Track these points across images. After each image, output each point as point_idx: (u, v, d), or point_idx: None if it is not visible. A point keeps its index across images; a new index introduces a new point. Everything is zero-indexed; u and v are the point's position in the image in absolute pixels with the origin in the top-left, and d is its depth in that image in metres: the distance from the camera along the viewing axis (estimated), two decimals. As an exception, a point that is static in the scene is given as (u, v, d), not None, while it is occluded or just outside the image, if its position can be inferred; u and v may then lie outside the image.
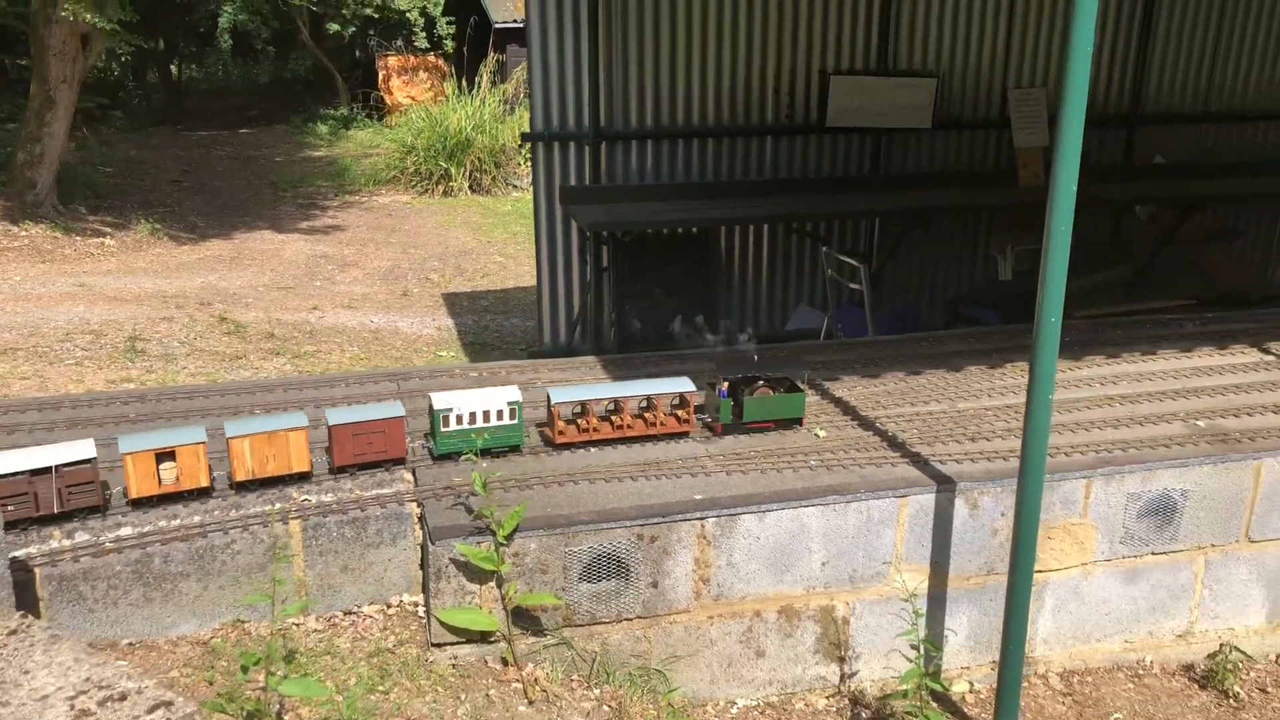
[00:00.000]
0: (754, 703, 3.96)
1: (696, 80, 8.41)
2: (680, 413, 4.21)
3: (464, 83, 17.95)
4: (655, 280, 8.60)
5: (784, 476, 3.98)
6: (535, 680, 3.62)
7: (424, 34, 23.55)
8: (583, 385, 4.23)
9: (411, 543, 3.74)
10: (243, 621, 3.58)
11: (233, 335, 9.42)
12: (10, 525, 3.39)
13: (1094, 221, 9.55)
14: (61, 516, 3.53)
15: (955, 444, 4.26)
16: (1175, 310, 8.01)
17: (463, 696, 3.47)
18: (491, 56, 19.20)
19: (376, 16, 23.25)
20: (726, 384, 4.15)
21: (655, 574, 3.78)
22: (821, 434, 4.33)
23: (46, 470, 3.46)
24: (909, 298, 9.06)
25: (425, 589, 3.67)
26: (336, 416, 3.86)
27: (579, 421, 4.09)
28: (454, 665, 3.60)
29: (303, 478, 3.85)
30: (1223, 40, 9.33)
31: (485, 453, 3.91)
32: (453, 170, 16.87)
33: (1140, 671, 4.32)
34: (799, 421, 4.32)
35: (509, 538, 3.58)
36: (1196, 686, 4.28)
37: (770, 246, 8.90)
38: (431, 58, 23.26)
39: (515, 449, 4.05)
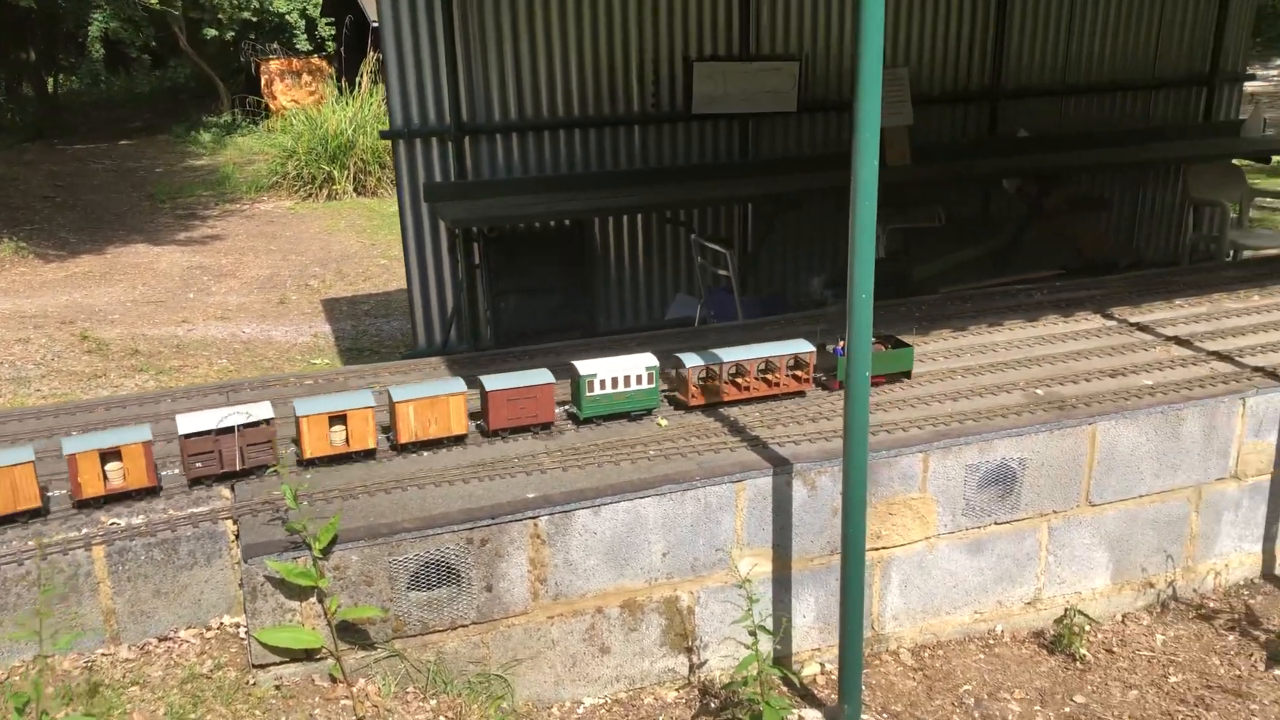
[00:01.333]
0: (601, 701, 3.88)
1: (559, 70, 8.30)
2: (799, 373, 4.52)
3: (345, 83, 17.56)
4: (530, 275, 8.47)
5: (621, 469, 3.90)
6: (366, 695, 3.49)
7: (305, 36, 23.01)
8: (708, 351, 4.45)
9: (228, 562, 3.57)
10: (46, 656, 3.37)
11: (94, 354, 9.04)
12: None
13: (962, 197, 9.69)
14: None
15: (795, 425, 4.23)
16: (1042, 281, 8.17)
17: (285, 718, 3.32)
18: (371, 55, 18.83)
19: (255, 20, 22.63)
20: (842, 343, 4.28)
21: (489, 577, 3.67)
22: (664, 423, 4.26)
23: None
24: (785, 282, 9.09)
25: (245, 609, 3.51)
26: (492, 383, 4.10)
27: (708, 384, 4.36)
28: (278, 686, 3.45)
29: (150, 492, 3.73)
30: (1077, 13, 9.52)
31: (625, 415, 4.28)
32: (335, 173, 16.50)
33: (991, 641, 4.35)
34: (908, 374, 4.64)
35: (326, 551, 3.44)
36: (1045, 652, 4.32)
37: (645, 236, 8.84)
38: (314, 60, 22.76)
39: (649, 411, 4.32)
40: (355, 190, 16.60)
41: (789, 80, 8.80)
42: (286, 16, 22.82)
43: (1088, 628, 4.44)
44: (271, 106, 21.85)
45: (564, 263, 8.64)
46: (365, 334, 10.27)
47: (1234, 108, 10.26)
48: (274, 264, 13.07)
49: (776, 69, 8.77)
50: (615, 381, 4.22)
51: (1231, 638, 4.41)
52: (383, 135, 8.45)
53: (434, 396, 4.04)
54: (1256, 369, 4.67)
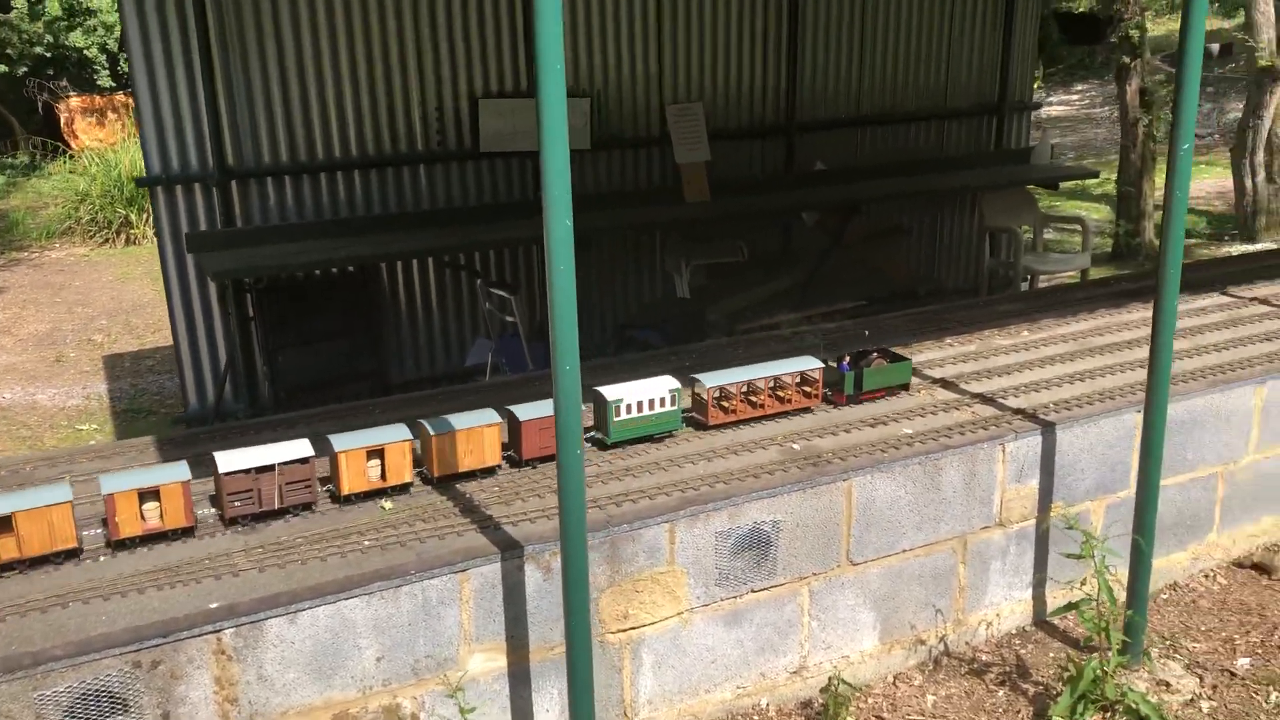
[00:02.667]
0: (315, 829, 3.43)
1: (334, 108, 7.83)
2: (807, 388, 4.62)
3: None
4: (310, 326, 7.93)
5: (328, 565, 3.47)
6: None
7: (107, 71, 21.71)
8: (724, 371, 4.53)
9: None
10: None
11: None
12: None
13: (763, 231, 9.62)
14: None
15: (535, 499, 3.88)
16: (845, 313, 8.11)
17: None
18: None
19: (49, 55, 21.23)
20: (847, 359, 4.69)
21: (165, 704, 3.18)
22: (388, 506, 3.85)
23: None
24: (585, 323, 8.78)
25: None
26: (524, 413, 4.06)
27: (725, 404, 4.48)
28: None
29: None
30: (868, 47, 9.60)
31: (649, 438, 4.33)
32: (133, 216, 15.47)
33: (756, 717, 4.08)
34: (906, 387, 4.80)
35: (-53, 694, 2.90)
36: (814, 724, 4.08)
37: (438, 280, 8.42)
38: (119, 96, 21.48)
39: (672, 434, 4.39)
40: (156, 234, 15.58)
41: (580, 117, 8.55)
42: (85, 51, 21.49)
43: (858, 693, 4.23)
44: (74, 146, 20.49)
45: (348, 311, 8.14)
46: (145, 393, 9.51)
47: (1023, 135, 10.53)
48: (56, 317, 12.09)
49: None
50: (641, 406, 4.26)
51: (1001, 693, 4.26)
52: (138, 183, 7.81)
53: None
54: (1017, 411, 4.58)
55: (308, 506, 3.79)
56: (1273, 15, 11.51)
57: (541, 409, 4.05)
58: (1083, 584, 4.32)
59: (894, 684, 4.33)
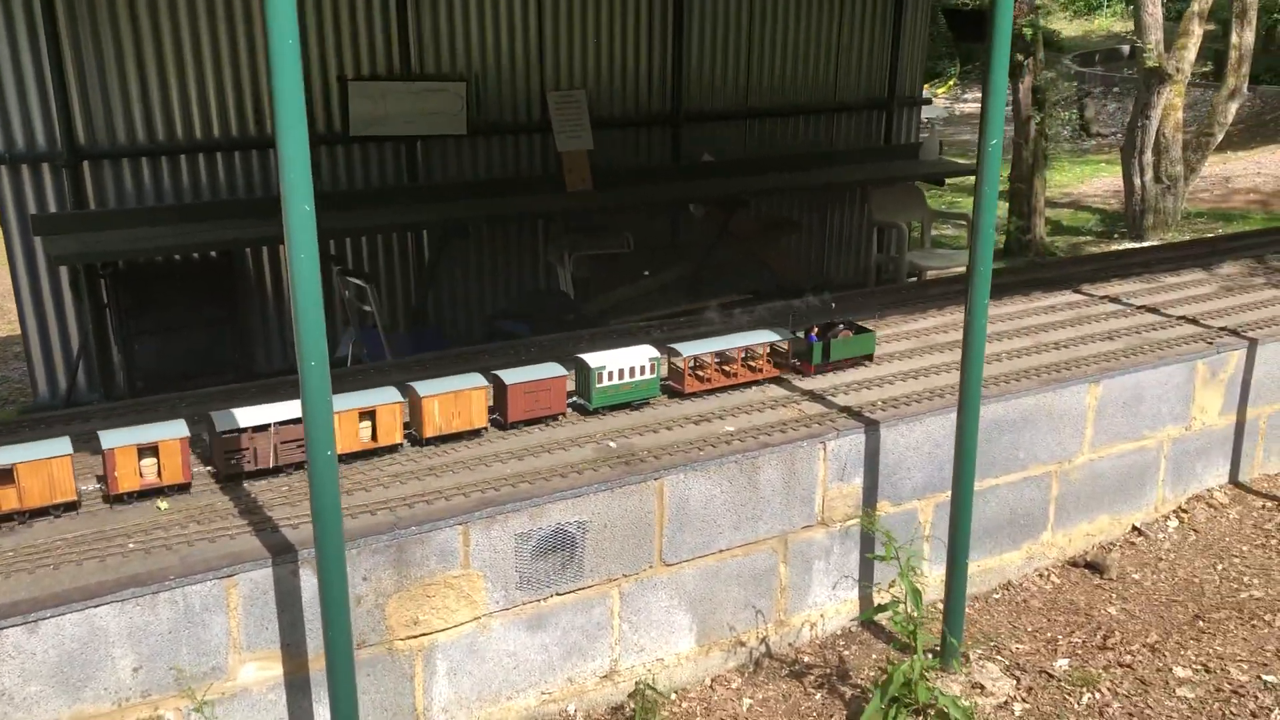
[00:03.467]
0: None
1: (194, 88, 7.53)
2: (777, 358, 4.82)
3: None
4: (169, 312, 7.63)
5: (82, 570, 3.26)
6: None
7: None
8: (698, 341, 4.70)
9: None
10: None
11: None
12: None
13: (650, 222, 9.50)
14: None
15: (382, 490, 3.71)
16: (731, 305, 8.01)
17: None
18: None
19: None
20: (816, 330, 4.91)
21: (-114, 720, 2.96)
22: (164, 506, 3.65)
23: None
24: (456, 314, 8.61)
25: None
26: (510, 377, 4.21)
27: (700, 372, 4.62)
28: None
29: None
30: (755, 39, 9.51)
31: (629, 405, 4.48)
32: None
33: (562, 723, 3.96)
34: (869, 357, 5.03)
35: None
36: (624, 729, 3.97)
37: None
38: None
39: (647, 402, 4.54)
40: None
41: (456, 101, 8.35)
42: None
43: (672, 697, 4.13)
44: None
45: (210, 298, 7.85)
46: (5, 381, 9.12)
47: (912, 131, 10.54)
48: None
49: (442, 89, 8.29)
50: (623, 373, 4.39)
51: (819, 696, 4.19)
52: (-22, 161, 7.43)
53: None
54: (844, 409, 4.50)
55: (73, 507, 3.58)
56: (1160, 17, 11.67)
57: (528, 374, 4.27)
58: (891, 585, 4.26)
59: (711, 687, 4.23)
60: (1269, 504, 5.46)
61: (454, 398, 4.07)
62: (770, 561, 4.32)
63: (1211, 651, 4.39)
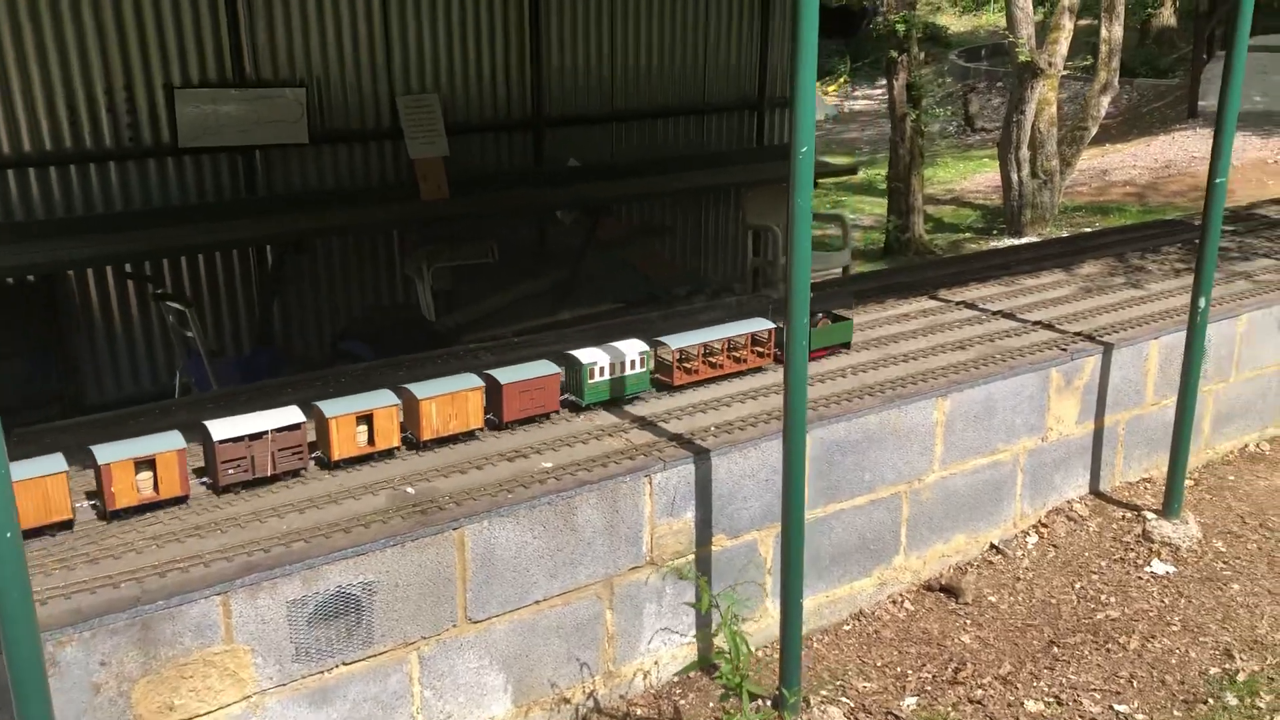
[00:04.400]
0: None
1: (0, 97, 6.90)
2: (761, 349, 4.80)
3: None
4: (-19, 340, 7.01)
5: None
6: None
7: None
8: (684, 334, 4.64)
9: None
10: None
11: None
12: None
13: (516, 230, 9.11)
14: None
15: (87, 567, 3.24)
16: (604, 315, 7.65)
17: None
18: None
19: None
20: None
21: None
22: None
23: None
24: (301, 336, 8.10)
25: None
26: (504, 376, 4.15)
27: (687, 365, 4.59)
28: None
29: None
30: (618, 39, 9.17)
31: (620, 400, 4.43)
32: None
33: (357, 805, 3.55)
34: (847, 345, 5.06)
35: None
36: (428, 806, 3.57)
37: (138, 292, 7.56)
38: None
39: (640, 395, 4.50)
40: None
41: (296, 108, 7.83)
42: None
43: (485, 766, 3.75)
44: None
45: (28, 326, 7.24)
46: None
47: (785, 132, 10.31)
48: None
49: (280, 96, 7.77)
50: (614, 368, 4.35)
51: (650, 752, 3.86)
52: None
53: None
54: (675, 437, 4.17)
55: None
56: (1031, 11, 11.66)
57: (522, 373, 4.22)
58: (716, 633, 3.94)
59: (531, 750, 3.86)
60: (1129, 514, 5.29)
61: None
62: (595, 609, 3.97)
63: (1065, 681, 4.16)
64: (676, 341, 4.54)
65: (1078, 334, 5.33)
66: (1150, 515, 5.22)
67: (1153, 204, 13.01)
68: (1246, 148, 14.58)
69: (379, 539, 3.45)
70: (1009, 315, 5.60)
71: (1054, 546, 5.09)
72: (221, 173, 7.75)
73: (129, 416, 4.40)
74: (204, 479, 3.74)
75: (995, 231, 12.34)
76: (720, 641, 4.23)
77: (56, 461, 3.37)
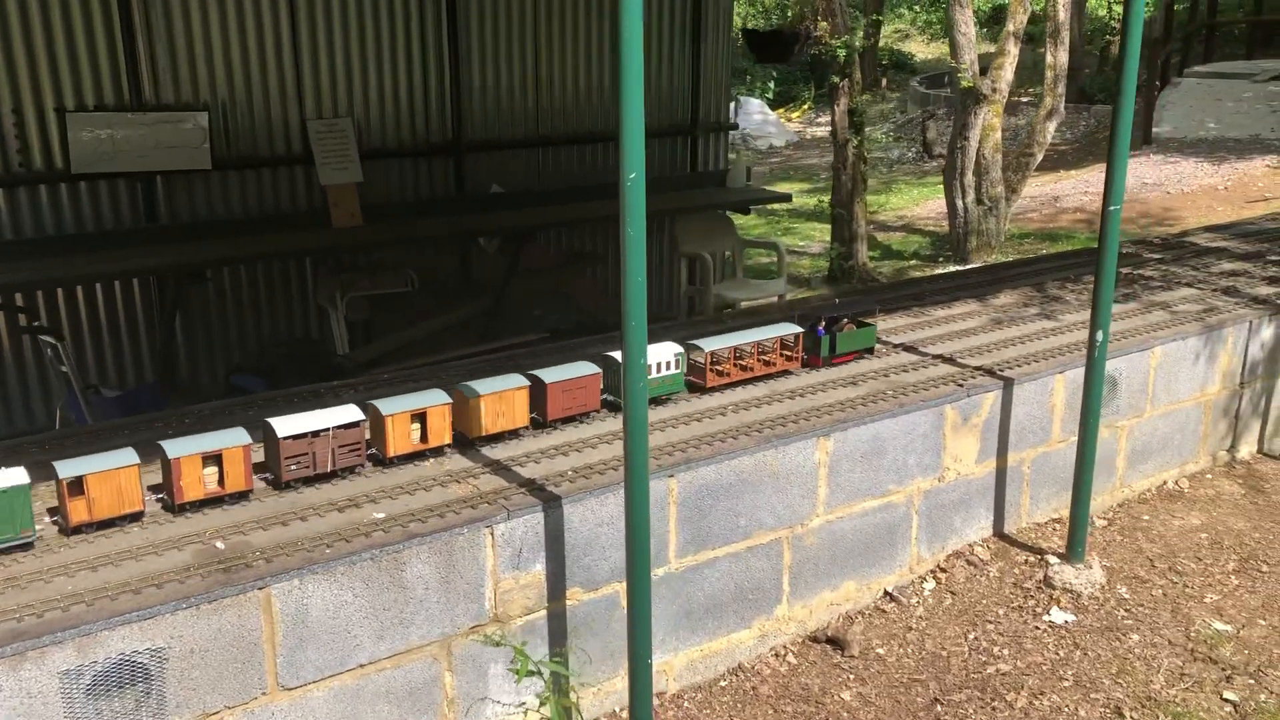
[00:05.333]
0: None
1: None
2: (789, 352, 4.94)
3: None
4: None
5: None
6: None
7: None
8: (715, 337, 4.77)
9: None
10: None
11: None
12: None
13: (438, 258, 8.85)
14: None
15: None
16: (531, 344, 7.37)
17: None
18: None
19: None
20: (823, 323, 5.01)
21: None
22: None
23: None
24: (201, 369, 7.79)
25: None
26: (549, 376, 4.28)
27: (719, 367, 4.72)
28: None
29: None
30: (542, 63, 8.95)
31: (656, 400, 4.53)
32: None
33: None
34: (871, 350, 5.21)
35: None
36: None
37: (9, 322, 7.19)
38: None
39: (672, 396, 4.63)
40: None
41: (198, 133, 7.57)
42: None
43: (303, 845, 3.43)
44: None
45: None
46: None
47: (720, 158, 10.11)
48: None
49: (180, 120, 7.51)
50: (651, 369, 4.38)
51: (487, 828, 3.55)
52: None
53: None
54: (526, 483, 3.89)
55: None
56: (974, 36, 11.52)
57: (565, 372, 4.35)
58: (542, 703, 3.65)
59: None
60: (1032, 558, 5.03)
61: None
62: (431, 671, 3.67)
63: (943, 743, 3.89)
64: (709, 345, 4.68)
65: (979, 368, 5.09)
66: (1054, 559, 4.97)
67: (1102, 230, 12.83)
68: (1198, 174, 14.48)
69: (171, 601, 3.15)
70: (911, 348, 5.35)
71: (951, 593, 4.82)
72: (120, 200, 7.48)
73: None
74: (265, 474, 3.87)
75: (941, 259, 12.15)
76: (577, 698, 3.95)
77: (129, 455, 3.49)
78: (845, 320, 5.13)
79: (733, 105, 21.20)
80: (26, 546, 3.37)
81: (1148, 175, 14.54)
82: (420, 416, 3.99)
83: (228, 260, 7.60)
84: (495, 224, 8.67)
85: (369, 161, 8.17)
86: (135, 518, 3.55)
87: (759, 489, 4.30)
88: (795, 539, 4.47)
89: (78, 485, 3.42)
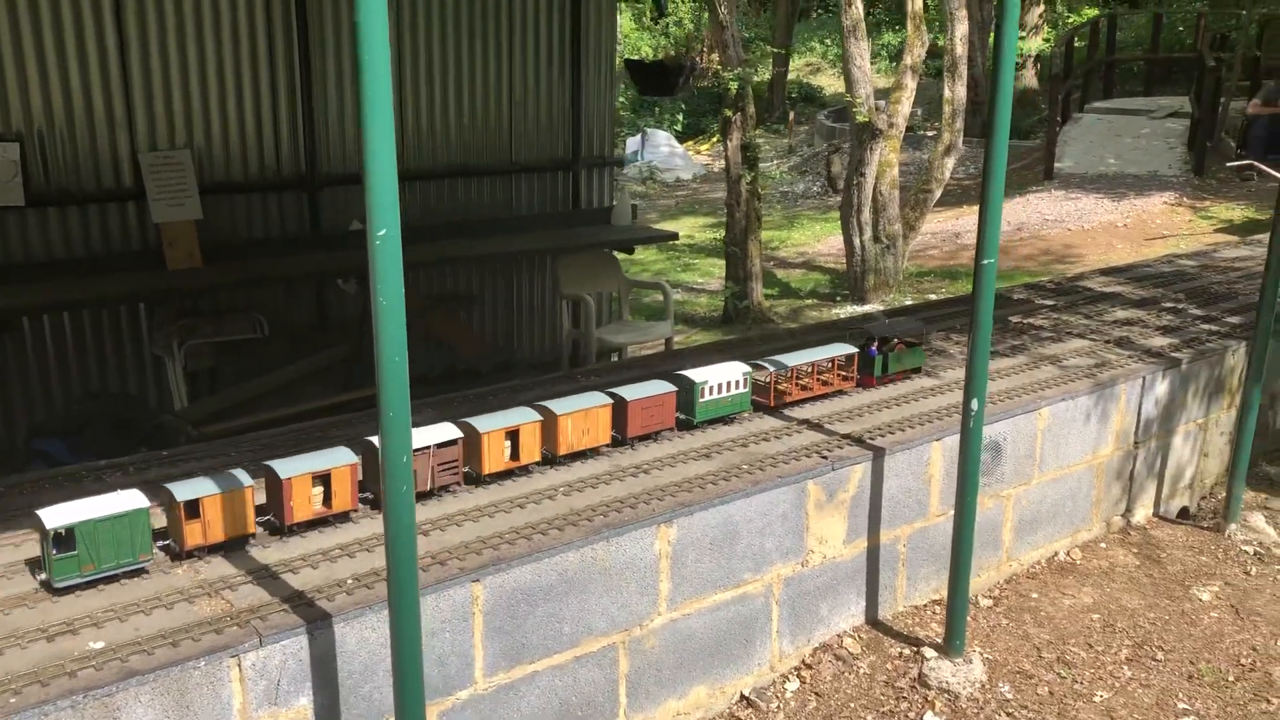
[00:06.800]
0: None
1: None
2: (845, 372, 5.08)
3: None
4: None
5: None
6: None
7: None
8: (780, 357, 4.86)
9: None
10: None
11: None
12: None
13: (291, 301, 8.15)
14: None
15: None
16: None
17: None
18: None
19: None
20: (876, 343, 5.14)
21: None
22: None
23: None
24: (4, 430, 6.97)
25: None
26: (630, 393, 4.34)
27: (781, 387, 4.80)
28: None
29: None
30: (407, 92, 8.34)
31: (724, 418, 4.65)
32: None
33: None
34: (919, 369, 5.32)
35: None
36: None
37: None
38: None
39: (739, 414, 4.70)
40: None
41: (8, 167, 6.80)
42: None
43: None
44: None
45: None
46: None
47: (604, 194, 9.58)
48: None
49: (-14, 152, 6.73)
50: (721, 387, 4.57)
51: None
52: None
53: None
54: (289, 598, 3.25)
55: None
56: (869, 70, 11.20)
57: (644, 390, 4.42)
58: None
59: None
60: (907, 650, 4.51)
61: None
62: (163, 836, 2.99)
63: None
64: (774, 365, 4.77)
65: (847, 436, 4.58)
66: (930, 653, 4.45)
67: (1002, 268, 12.54)
68: (1098, 210, 14.38)
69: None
70: (774, 412, 4.83)
71: (816, 694, 4.27)
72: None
73: None
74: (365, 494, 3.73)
75: (839, 298, 11.76)
76: None
77: (242, 476, 3.43)
78: (896, 341, 5.22)
79: (639, 137, 20.87)
80: (139, 572, 3.26)
81: (1049, 211, 14.39)
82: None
83: (44, 307, 6.83)
84: (354, 263, 7.99)
85: (211, 196, 7.46)
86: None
87: (587, 589, 3.71)
88: (633, 643, 3.88)
89: (193, 508, 3.34)
